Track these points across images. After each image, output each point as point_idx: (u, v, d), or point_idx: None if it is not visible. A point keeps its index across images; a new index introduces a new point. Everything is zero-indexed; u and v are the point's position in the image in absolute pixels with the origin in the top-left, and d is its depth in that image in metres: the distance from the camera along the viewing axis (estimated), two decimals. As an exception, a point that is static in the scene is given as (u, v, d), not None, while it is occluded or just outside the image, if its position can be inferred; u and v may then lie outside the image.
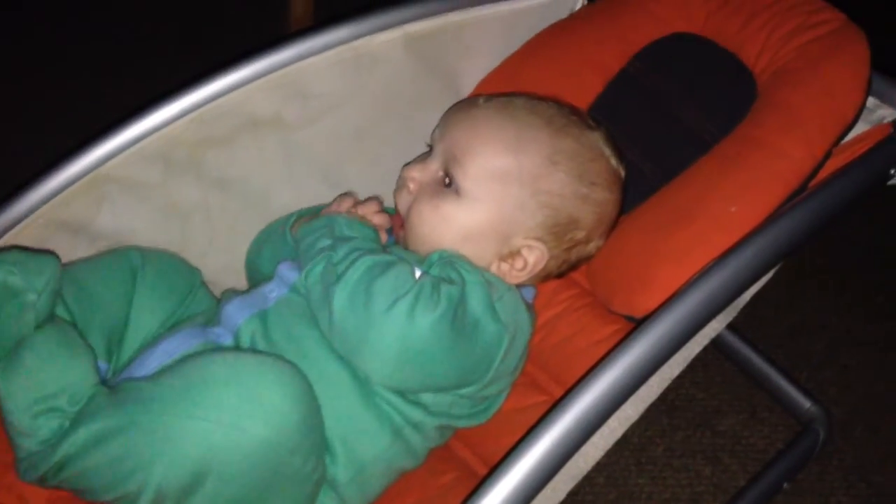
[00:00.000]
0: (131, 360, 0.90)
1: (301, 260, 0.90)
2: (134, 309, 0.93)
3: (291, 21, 1.69)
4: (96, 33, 2.05)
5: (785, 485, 1.32)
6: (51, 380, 0.79)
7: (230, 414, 0.74)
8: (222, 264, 1.07)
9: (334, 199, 1.00)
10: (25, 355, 0.79)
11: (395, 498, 0.93)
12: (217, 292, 1.06)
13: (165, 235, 1.02)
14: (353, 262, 0.83)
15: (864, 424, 1.43)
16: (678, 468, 1.38)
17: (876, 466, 1.39)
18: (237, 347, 0.88)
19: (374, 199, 0.98)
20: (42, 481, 0.80)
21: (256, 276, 1.03)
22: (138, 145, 0.94)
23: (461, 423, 0.93)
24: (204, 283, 1.01)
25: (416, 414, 0.88)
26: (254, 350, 0.87)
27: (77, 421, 0.78)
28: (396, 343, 0.80)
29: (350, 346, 0.82)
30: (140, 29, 2.08)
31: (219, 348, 0.86)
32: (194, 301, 0.98)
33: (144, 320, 0.93)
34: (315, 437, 0.81)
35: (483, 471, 0.96)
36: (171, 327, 0.94)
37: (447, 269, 0.87)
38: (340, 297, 0.81)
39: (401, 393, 0.87)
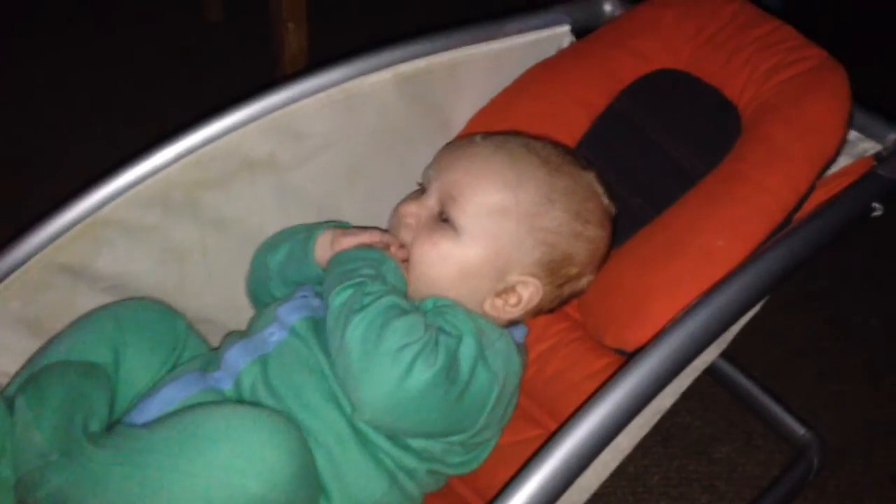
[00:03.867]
0: (130, 408, 0.91)
1: (332, 273, 0.90)
2: (123, 371, 0.92)
3: (286, 60, 1.71)
4: (93, 78, 2.08)
5: (781, 511, 1.33)
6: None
7: (224, 471, 0.75)
8: (220, 302, 1.08)
9: (366, 228, 0.99)
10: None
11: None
12: (215, 330, 1.07)
13: (164, 276, 1.03)
14: (380, 297, 0.85)
15: (858, 450, 1.44)
16: (675, 497, 1.39)
17: (871, 491, 1.39)
18: (238, 396, 0.88)
19: None
20: None
21: (263, 293, 1.03)
22: (136, 189, 0.95)
23: (452, 471, 0.94)
24: (191, 328, 1.01)
25: (409, 460, 0.89)
26: (254, 397, 0.87)
27: (69, 454, 0.79)
28: (392, 388, 0.81)
29: (350, 374, 0.83)
30: (137, 72, 2.11)
31: (216, 401, 0.87)
32: (186, 347, 0.98)
33: (138, 377, 0.93)
34: (309, 491, 0.82)
35: (479, 504, 0.96)
36: (169, 372, 0.94)
37: (441, 318, 0.88)
38: (357, 325, 0.82)
39: (392, 438, 0.87)
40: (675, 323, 0.80)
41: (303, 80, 1.00)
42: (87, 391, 0.86)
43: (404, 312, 0.85)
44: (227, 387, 0.89)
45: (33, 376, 0.86)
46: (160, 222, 0.99)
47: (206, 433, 0.77)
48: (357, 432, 0.87)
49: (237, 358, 0.91)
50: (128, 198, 0.95)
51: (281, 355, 0.90)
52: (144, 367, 0.94)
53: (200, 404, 0.84)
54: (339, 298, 0.86)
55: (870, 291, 1.68)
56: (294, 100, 1.00)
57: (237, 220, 1.05)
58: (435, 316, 0.89)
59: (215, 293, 1.07)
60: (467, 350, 0.86)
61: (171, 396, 0.88)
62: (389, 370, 0.81)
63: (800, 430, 1.36)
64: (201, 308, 1.06)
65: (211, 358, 0.94)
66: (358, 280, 0.87)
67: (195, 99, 1.90)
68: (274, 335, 0.92)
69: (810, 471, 1.35)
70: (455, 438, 0.89)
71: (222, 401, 0.87)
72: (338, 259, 0.92)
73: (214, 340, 1.07)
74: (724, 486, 1.40)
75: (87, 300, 0.98)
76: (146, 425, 0.83)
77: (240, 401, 0.88)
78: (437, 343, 0.84)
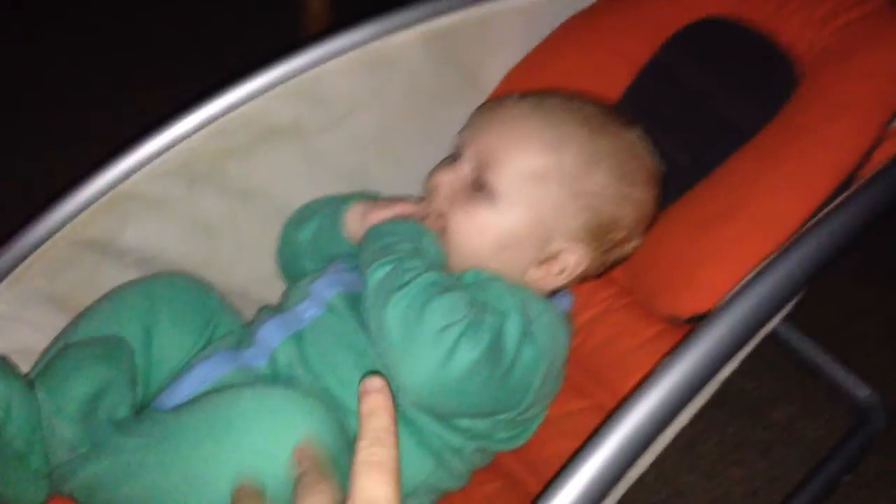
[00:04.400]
0: (164, 386, 0.89)
1: (368, 248, 0.86)
2: (155, 348, 0.90)
3: (309, 21, 1.66)
4: (114, 46, 2.05)
5: (845, 477, 1.28)
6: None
7: (254, 455, 0.71)
8: (250, 275, 1.05)
9: (398, 199, 0.95)
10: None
11: (436, 511, 0.91)
12: (246, 304, 1.04)
13: (192, 249, 1.00)
14: (419, 274, 0.81)
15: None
16: (731, 463, 1.34)
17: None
18: (273, 374, 0.85)
19: None
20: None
21: (294, 268, 1.01)
22: (159, 160, 0.93)
23: (500, 447, 0.91)
24: (223, 302, 0.98)
25: (455, 439, 0.86)
26: (291, 375, 0.85)
27: (99, 444, 0.77)
28: (435, 370, 0.77)
29: (391, 356, 0.80)
30: (157, 40, 2.07)
31: (246, 383, 0.84)
32: (220, 323, 0.95)
33: (170, 354, 0.91)
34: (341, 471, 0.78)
35: (528, 479, 0.93)
36: (201, 351, 0.92)
37: (483, 293, 0.85)
38: (397, 305, 0.79)
39: (437, 418, 0.84)
40: (739, 290, 0.74)
41: (326, 43, 0.96)
42: (111, 376, 0.83)
43: (446, 290, 0.81)
44: (262, 364, 0.86)
45: (51, 361, 0.84)
46: (185, 194, 0.97)
47: (235, 416, 0.74)
48: (399, 412, 0.83)
49: (271, 335, 0.88)
50: (151, 170, 0.93)
51: (316, 332, 0.87)
52: (177, 344, 0.91)
53: (230, 387, 0.82)
54: (376, 276, 0.83)
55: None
56: (317, 63, 0.96)
57: (264, 189, 1.02)
58: (477, 291, 0.85)
59: (246, 266, 1.05)
60: (512, 327, 0.82)
61: (205, 375, 0.85)
62: (432, 352, 0.77)
63: (862, 391, 1.31)
64: (232, 281, 1.04)
65: (244, 334, 0.91)
66: (396, 256, 0.83)
67: (217, 65, 1.86)
68: (308, 311, 0.89)
69: (874, 434, 1.29)
70: (501, 417, 0.86)
71: (252, 382, 0.84)
72: (373, 233, 0.88)
73: (247, 314, 1.04)
74: (783, 451, 1.36)
75: (115, 275, 0.97)
76: (176, 409, 0.81)
77: (274, 379, 0.85)
78: (481, 321, 0.80)
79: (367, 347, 0.85)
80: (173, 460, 0.74)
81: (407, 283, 0.80)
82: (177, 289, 0.95)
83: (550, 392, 0.88)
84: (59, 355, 0.85)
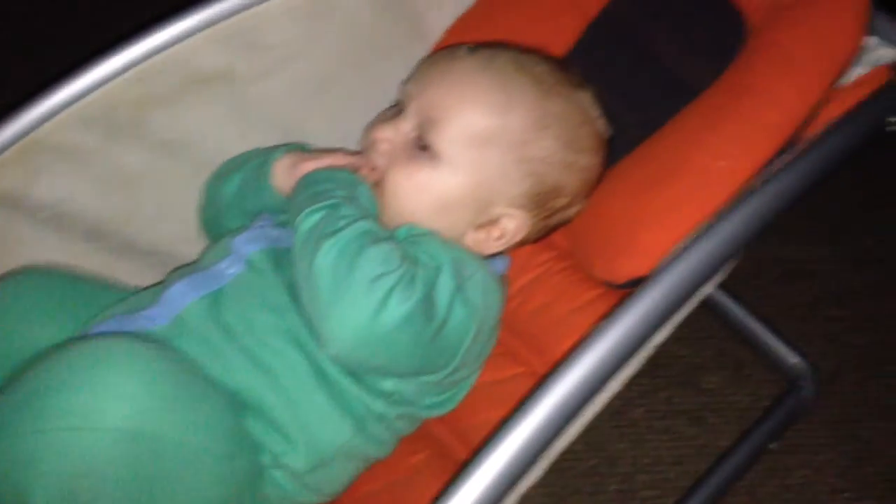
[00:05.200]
0: None
1: (299, 196, 0.83)
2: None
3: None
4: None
5: (772, 444, 1.29)
6: None
7: (79, 417, 0.67)
8: (174, 232, 1.01)
9: (330, 150, 0.92)
10: None
11: (360, 481, 0.89)
12: (170, 263, 0.99)
13: (110, 204, 0.95)
14: (354, 221, 0.78)
15: (850, 378, 1.40)
16: (660, 430, 1.35)
17: (864, 421, 1.36)
18: (178, 335, 0.80)
19: None
20: None
21: (217, 225, 0.96)
22: (73, 107, 0.87)
23: (426, 413, 0.88)
24: (108, 287, 0.92)
25: (378, 405, 0.83)
26: (202, 336, 0.80)
27: None
28: (365, 321, 0.74)
29: (318, 305, 0.76)
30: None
31: (64, 344, 0.77)
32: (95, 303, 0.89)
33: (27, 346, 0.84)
34: (204, 415, 0.74)
35: (458, 448, 0.91)
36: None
37: (416, 248, 0.82)
38: (329, 251, 0.76)
39: (360, 380, 0.81)
40: (676, 254, 0.73)
41: (259, -16, 0.92)
42: None
43: (380, 240, 0.78)
44: (162, 324, 0.81)
45: None
46: (103, 145, 0.91)
47: (53, 381, 0.70)
48: (321, 374, 0.80)
49: (182, 294, 0.83)
50: (64, 118, 0.87)
51: (236, 291, 0.83)
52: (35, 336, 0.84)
53: (46, 354, 0.75)
54: (308, 221, 0.79)
55: (870, 212, 1.61)
56: (251, 5, 0.91)
57: (191, 142, 0.97)
58: (410, 245, 0.82)
59: (169, 223, 1.00)
60: (445, 283, 0.79)
61: None
62: (362, 301, 0.74)
63: (792, 358, 1.32)
64: (154, 239, 1.00)
65: (147, 296, 0.86)
66: (329, 203, 0.80)
67: (142, 8, 1.77)
68: (230, 268, 0.85)
69: (802, 401, 1.31)
70: (429, 378, 0.83)
71: (75, 342, 0.77)
72: (306, 180, 0.84)
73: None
74: (713, 418, 1.36)
75: (28, 231, 0.92)
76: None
77: (172, 341, 0.80)
78: (414, 275, 0.77)
79: (288, 308, 0.81)
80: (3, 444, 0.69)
81: (339, 230, 0.77)
82: (24, 285, 0.88)
83: (479, 354, 0.86)
84: None
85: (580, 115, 0.88)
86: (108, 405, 0.68)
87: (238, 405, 0.79)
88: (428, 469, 0.90)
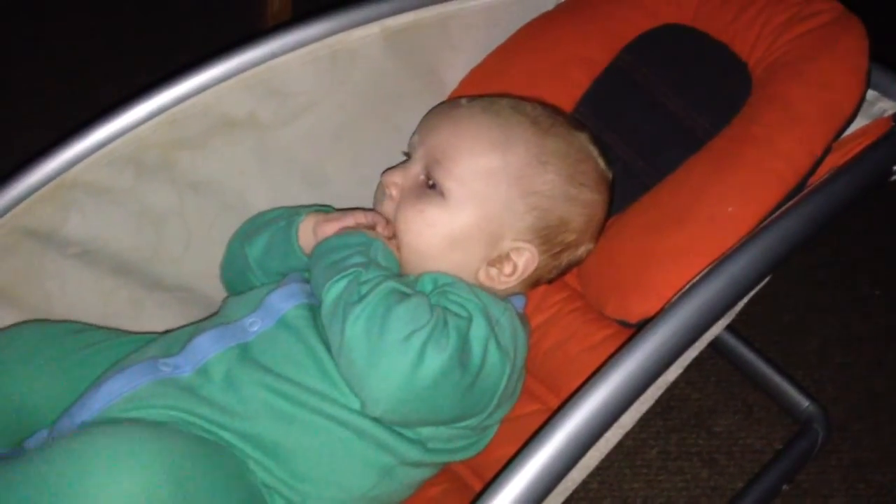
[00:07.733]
0: (74, 402, 0.84)
1: (318, 266, 0.84)
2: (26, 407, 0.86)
3: (269, 15, 1.64)
4: (67, 31, 1.98)
5: (784, 486, 1.30)
6: None
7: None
8: (200, 269, 1.03)
9: (349, 210, 0.92)
10: None
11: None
12: (194, 299, 1.03)
13: (138, 241, 0.98)
14: (377, 285, 0.79)
15: (862, 423, 1.40)
16: (673, 471, 1.35)
17: (875, 465, 1.36)
18: (203, 384, 0.82)
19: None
20: None
21: (240, 282, 0.97)
22: (107, 148, 0.91)
23: (456, 457, 0.90)
24: (112, 334, 0.95)
25: (413, 453, 0.84)
26: (228, 386, 0.82)
27: None
28: (405, 379, 0.76)
29: (356, 371, 0.78)
30: (112, 26, 2.02)
31: (67, 438, 0.76)
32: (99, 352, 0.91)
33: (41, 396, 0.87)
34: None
35: (474, 483, 0.93)
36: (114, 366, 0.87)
37: (445, 299, 0.84)
38: (358, 318, 0.77)
39: (396, 431, 0.83)
40: (684, 293, 0.75)
41: (285, 34, 0.95)
42: None
43: (406, 297, 0.79)
44: (186, 373, 0.83)
45: None
46: (133, 184, 0.95)
47: (58, 481, 0.70)
48: (352, 427, 0.82)
49: (207, 345, 0.84)
50: (97, 158, 0.91)
51: (263, 346, 0.84)
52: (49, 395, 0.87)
53: (50, 447, 0.75)
54: (333, 292, 0.80)
55: (875, 262, 1.63)
56: (275, 55, 0.95)
57: (217, 182, 1.00)
58: (439, 297, 0.84)
59: (195, 260, 1.02)
60: (478, 330, 0.81)
61: (116, 389, 0.81)
62: (399, 360, 0.76)
63: (803, 402, 1.32)
64: (180, 276, 1.02)
65: (170, 342, 0.87)
66: (351, 270, 0.81)
67: (173, 55, 1.82)
68: (255, 325, 0.86)
69: (814, 445, 1.31)
70: (470, 423, 0.85)
71: (73, 436, 0.77)
72: (322, 249, 0.86)
73: (193, 311, 1.03)
74: (725, 460, 1.36)
75: (57, 266, 0.95)
76: (30, 453, 0.76)
77: (199, 390, 0.81)
78: (445, 325, 0.79)
79: (323, 362, 0.82)
80: None
81: (365, 296, 0.78)
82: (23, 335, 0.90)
83: (512, 394, 0.88)
84: None
85: (579, 151, 0.91)
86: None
87: (255, 452, 0.80)
88: (445, 501, 0.91)
